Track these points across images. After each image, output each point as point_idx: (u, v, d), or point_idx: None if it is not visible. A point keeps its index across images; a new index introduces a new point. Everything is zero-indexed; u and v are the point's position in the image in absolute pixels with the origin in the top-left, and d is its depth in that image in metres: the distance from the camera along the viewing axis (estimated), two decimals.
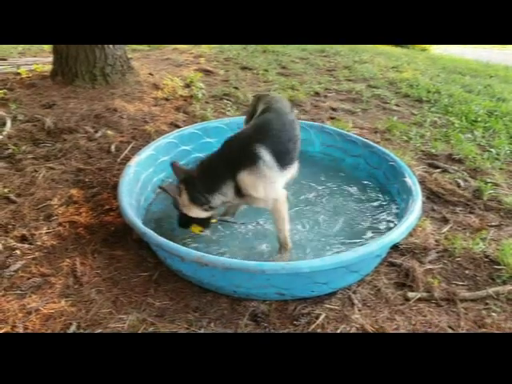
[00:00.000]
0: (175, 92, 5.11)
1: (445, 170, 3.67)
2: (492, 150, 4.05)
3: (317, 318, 2.16)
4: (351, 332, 2.08)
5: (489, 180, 3.47)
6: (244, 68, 6.61)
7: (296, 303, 2.26)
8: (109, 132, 3.98)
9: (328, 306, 2.25)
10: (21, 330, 2.02)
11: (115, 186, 2.87)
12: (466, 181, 3.49)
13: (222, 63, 6.79)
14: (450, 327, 2.13)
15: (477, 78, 6.94)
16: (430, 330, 2.10)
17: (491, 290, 2.35)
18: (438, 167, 3.72)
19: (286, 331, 2.09)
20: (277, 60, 7.14)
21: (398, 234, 2.33)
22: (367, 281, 2.43)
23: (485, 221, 2.98)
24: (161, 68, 6.17)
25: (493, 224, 2.96)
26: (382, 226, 2.85)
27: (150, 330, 2.06)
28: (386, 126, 4.48)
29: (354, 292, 2.34)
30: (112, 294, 2.29)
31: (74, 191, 3.10)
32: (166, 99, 4.93)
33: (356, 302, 2.27)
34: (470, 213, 3.09)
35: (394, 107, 5.20)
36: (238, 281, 2.22)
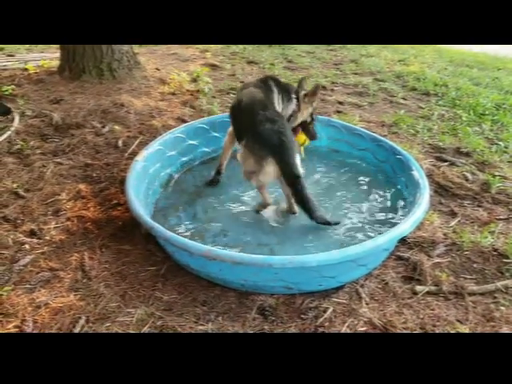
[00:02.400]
0: (182, 87, 5.11)
1: (452, 164, 3.64)
2: (500, 143, 4.02)
3: (324, 311, 2.17)
4: (359, 325, 2.09)
5: (497, 173, 3.44)
6: (250, 62, 6.58)
7: (304, 297, 2.26)
8: (116, 127, 3.99)
9: (335, 299, 2.25)
10: (30, 324, 2.04)
11: (123, 181, 2.88)
12: (474, 174, 3.47)
13: (228, 57, 6.76)
14: (458, 321, 2.12)
15: (485, 70, 6.86)
16: (438, 324, 2.10)
17: (500, 284, 2.35)
18: (445, 160, 3.69)
19: (293, 325, 2.09)
20: (283, 54, 7.11)
21: (405, 228, 2.33)
22: (375, 274, 2.42)
23: (493, 214, 2.96)
24: (167, 63, 6.17)
25: (501, 217, 2.94)
26: (390, 220, 2.84)
27: (158, 323, 2.08)
28: (392, 120, 4.45)
29: (362, 286, 2.34)
30: (120, 288, 2.30)
31: (81, 186, 3.12)
32: (173, 94, 4.93)
33: (364, 295, 2.27)
34: (478, 206, 3.07)
35: (401, 101, 5.16)
36: (245, 275, 2.22)
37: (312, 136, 3.35)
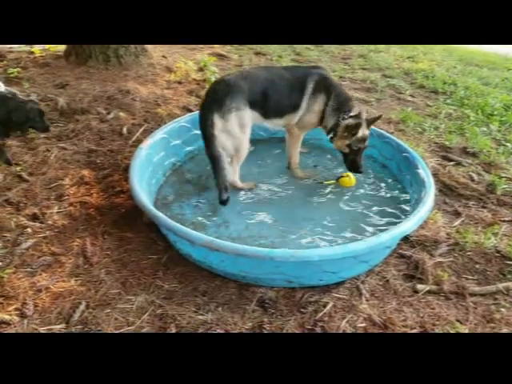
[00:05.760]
0: (188, 75, 5.08)
1: (458, 163, 3.62)
2: (507, 144, 3.99)
3: (324, 306, 2.17)
4: (358, 321, 2.09)
5: (503, 175, 3.42)
6: (258, 53, 6.54)
7: (304, 291, 2.26)
8: (121, 114, 3.97)
9: (336, 295, 2.25)
10: (31, 307, 2.06)
11: (126, 169, 2.87)
12: (479, 175, 3.45)
13: (235, 48, 6.72)
14: (458, 321, 2.12)
15: (494, 70, 6.81)
16: (437, 323, 2.10)
17: (501, 286, 2.34)
18: (451, 160, 3.67)
19: (292, 318, 2.09)
20: (291, 46, 7.05)
21: (408, 226, 2.32)
22: (376, 271, 2.42)
23: (497, 216, 2.95)
24: (174, 51, 6.13)
25: (505, 219, 2.92)
26: (394, 218, 2.82)
27: (158, 311, 2.08)
28: (400, 117, 4.42)
29: (363, 282, 2.34)
30: (121, 275, 2.31)
31: (85, 172, 3.11)
32: (179, 82, 4.90)
33: (364, 292, 2.27)
34: (483, 207, 3.05)
35: (409, 98, 5.13)
36: (247, 267, 2.22)
37: (350, 167, 3.11)
